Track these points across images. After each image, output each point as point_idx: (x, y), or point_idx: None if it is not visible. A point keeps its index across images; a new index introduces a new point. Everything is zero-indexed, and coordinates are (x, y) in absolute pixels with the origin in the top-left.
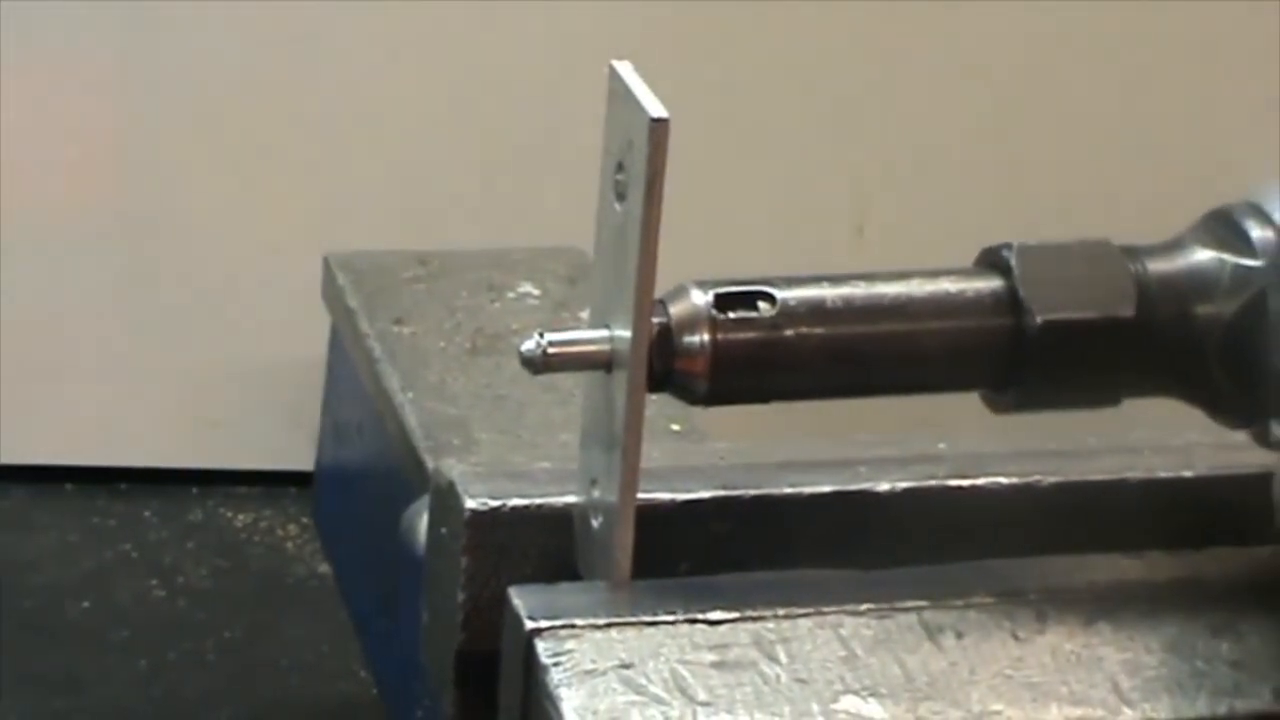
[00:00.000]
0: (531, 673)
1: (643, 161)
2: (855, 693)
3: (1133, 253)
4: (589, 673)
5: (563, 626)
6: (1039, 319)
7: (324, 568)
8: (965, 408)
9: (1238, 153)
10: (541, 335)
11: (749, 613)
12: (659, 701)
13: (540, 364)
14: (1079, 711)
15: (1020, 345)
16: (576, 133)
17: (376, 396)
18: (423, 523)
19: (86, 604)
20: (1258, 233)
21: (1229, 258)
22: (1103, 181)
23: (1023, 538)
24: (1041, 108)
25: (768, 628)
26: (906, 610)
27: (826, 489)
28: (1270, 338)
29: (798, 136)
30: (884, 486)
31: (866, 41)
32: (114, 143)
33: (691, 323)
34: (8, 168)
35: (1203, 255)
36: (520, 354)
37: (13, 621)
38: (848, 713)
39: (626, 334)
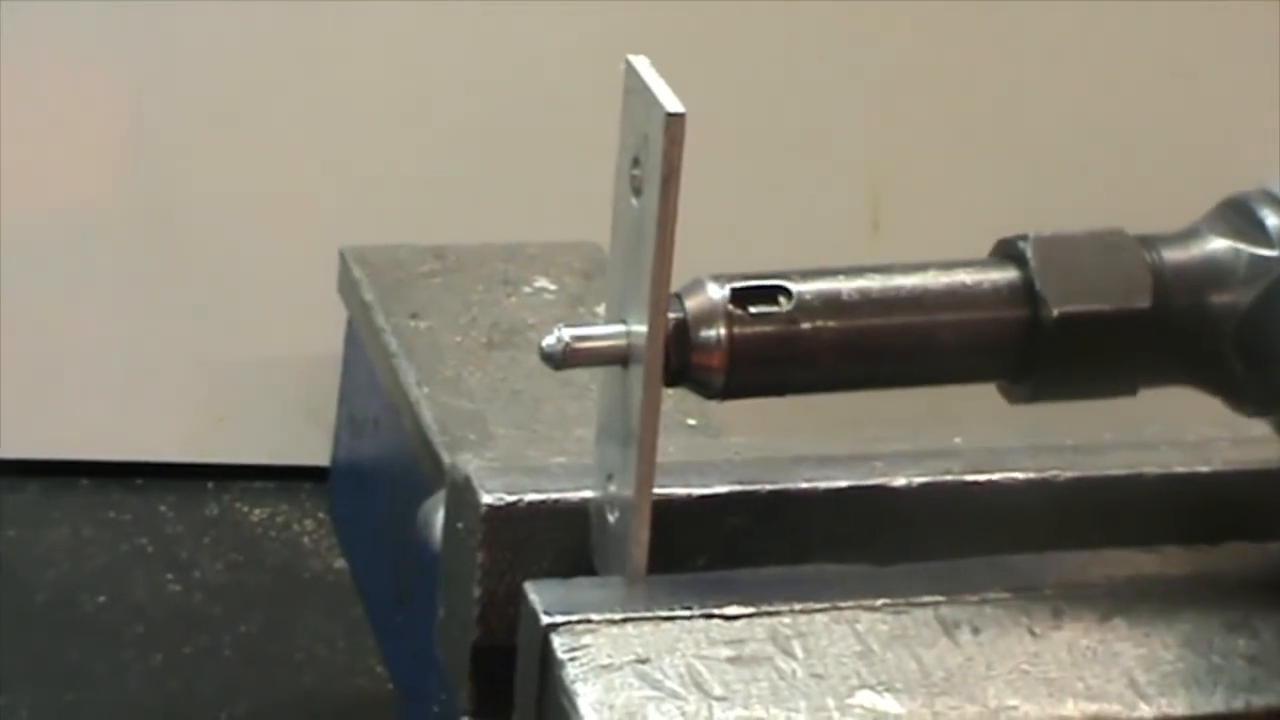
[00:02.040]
0: (547, 668)
1: (659, 156)
2: (871, 688)
3: (1148, 242)
4: (605, 668)
5: (579, 621)
6: (1055, 310)
7: (340, 563)
8: (981, 402)
9: (1251, 141)
10: (563, 330)
11: (765, 608)
12: (675, 696)
13: (561, 359)
14: (1095, 707)
15: (1036, 336)
16: (593, 127)
17: (392, 391)
18: (439, 518)
19: (101, 598)
20: (1273, 221)
21: (1244, 247)
22: (1117, 172)
23: (1038, 533)
24: (1055, 100)
25: (784, 623)
26: (922, 605)
27: (842, 484)
28: None
29: (814, 131)
30: (900, 481)
31: (881, 36)
32: (129, 138)
33: (708, 317)
34: (21, 163)
35: (1218, 244)
36: (541, 349)
37: (27, 616)
38: (864, 708)
39: (643, 329)
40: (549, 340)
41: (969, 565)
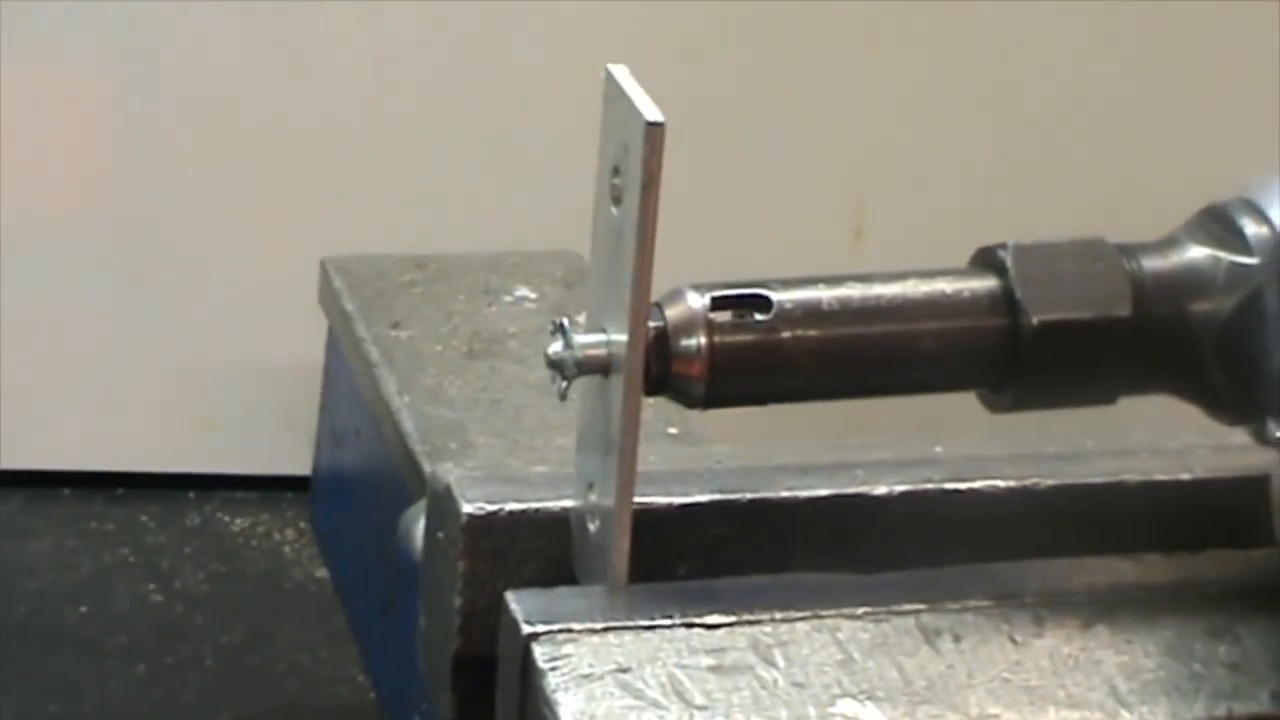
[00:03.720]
0: (529, 677)
1: (639, 165)
2: (853, 696)
3: (1128, 251)
4: (586, 677)
5: (560, 631)
6: (1035, 319)
7: (321, 572)
8: (963, 410)
9: (1232, 149)
10: (576, 337)
11: (746, 616)
12: (656, 706)
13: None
14: (1077, 714)
15: (1017, 345)
16: (573, 135)
17: (373, 401)
18: (420, 527)
19: (84, 609)
20: (1253, 229)
21: (1224, 255)
22: (1098, 180)
23: (1020, 541)
24: (1037, 108)
25: (765, 631)
26: (904, 614)
27: (823, 492)
28: (1266, 335)
29: (795, 139)
30: (881, 490)
31: (863, 44)
32: (111, 147)
33: (688, 326)
34: (5, 171)
35: (1198, 253)
36: (548, 357)
37: (10, 627)
38: (845, 716)
39: (623, 338)
40: (555, 348)
41: (950, 573)
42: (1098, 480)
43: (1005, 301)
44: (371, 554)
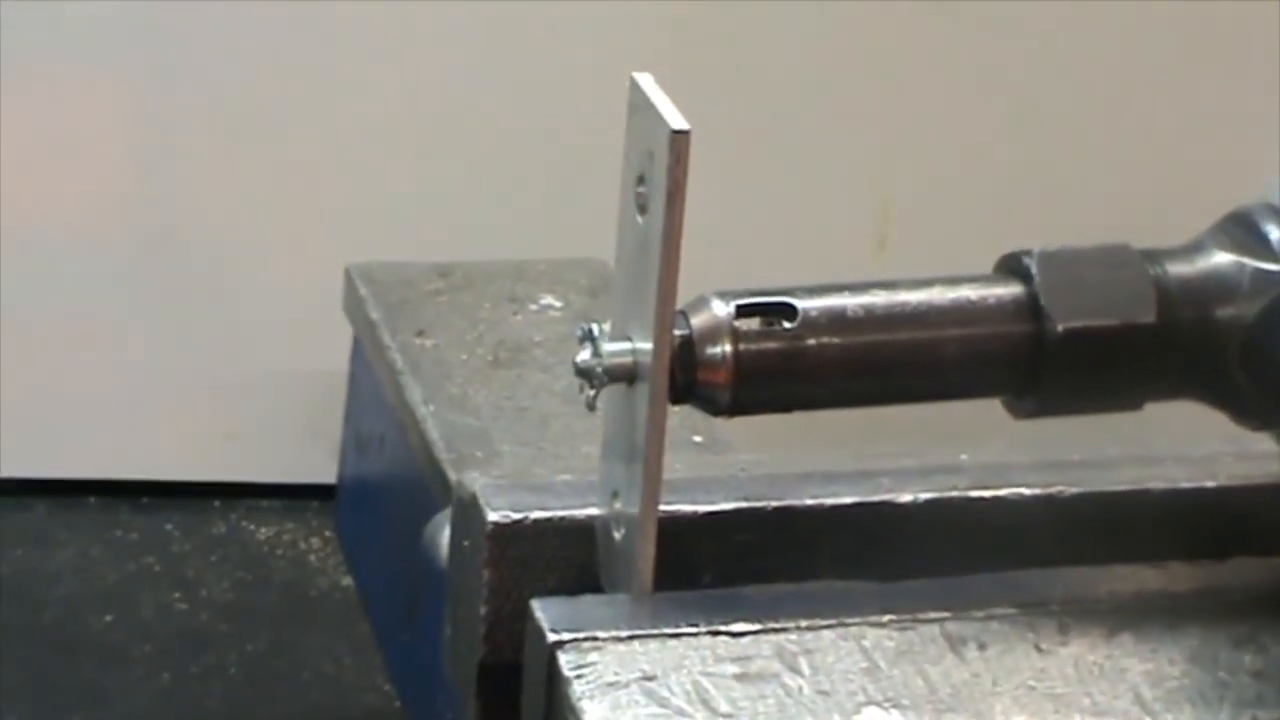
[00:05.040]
0: (554, 685)
1: (664, 173)
2: (878, 704)
3: (1152, 257)
4: (612, 685)
5: (585, 639)
6: (1060, 325)
7: (347, 580)
8: (987, 418)
9: (1256, 154)
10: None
11: (771, 624)
12: (681, 713)
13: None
14: None
15: (1041, 351)
16: (598, 143)
17: (399, 409)
18: (445, 535)
19: (109, 618)
20: (1277, 235)
21: (1249, 261)
22: (1122, 187)
23: (1045, 548)
24: (1061, 115)
25: (790, 639)
26: (929, 621)
27: (848, 500)
28: None
29: (820, 147)
30: (906, 498)
31: (887, 52)
32: (136, 155)
33: (713, 334)
34: (27, 179)
35: (1222, 258)
36: (576, 365)
37: (35, 635)
38: None
39: (648, 346)
40: (583, 356)
41: (975, 581)
42: (1122, 488)
43: (1030, 308)
44: (396, 562)
